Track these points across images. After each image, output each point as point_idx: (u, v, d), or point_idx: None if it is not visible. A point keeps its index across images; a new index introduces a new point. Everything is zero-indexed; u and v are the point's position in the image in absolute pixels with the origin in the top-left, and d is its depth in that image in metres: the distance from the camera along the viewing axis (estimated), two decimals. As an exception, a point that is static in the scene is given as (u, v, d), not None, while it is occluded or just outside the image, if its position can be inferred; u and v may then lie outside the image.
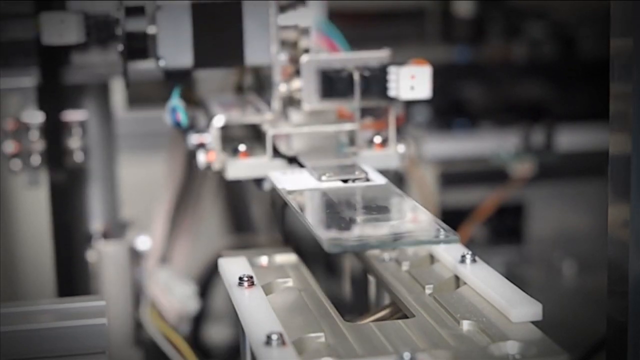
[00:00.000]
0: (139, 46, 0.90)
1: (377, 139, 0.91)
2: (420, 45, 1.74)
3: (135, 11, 0.91)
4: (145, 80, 1.02)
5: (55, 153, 1.02)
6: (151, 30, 0.90)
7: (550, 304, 0.76)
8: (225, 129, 0.91)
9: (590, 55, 1.55)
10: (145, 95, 1.12)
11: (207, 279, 1.40)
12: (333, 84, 0.87)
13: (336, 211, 0.75)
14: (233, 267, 0.85)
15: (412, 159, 1.25)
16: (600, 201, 0.91)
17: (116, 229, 1.13)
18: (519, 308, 0.73)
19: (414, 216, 0.75)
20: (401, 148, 0.92)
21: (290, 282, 0.85)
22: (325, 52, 0.99)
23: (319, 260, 1.59)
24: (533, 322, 0.73)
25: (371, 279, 0.91)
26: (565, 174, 1.30)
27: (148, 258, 1.12)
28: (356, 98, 0.87)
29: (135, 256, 1.11)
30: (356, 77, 0.86)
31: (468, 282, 0.80)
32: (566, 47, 1.57)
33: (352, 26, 1.81)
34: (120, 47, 0.91)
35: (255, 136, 0.95)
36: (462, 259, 0.82)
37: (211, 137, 0.90)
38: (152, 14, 0.90)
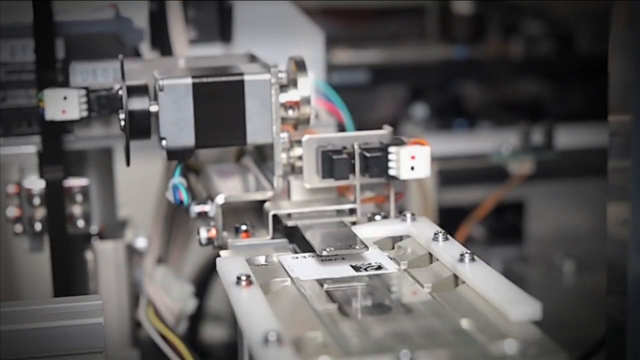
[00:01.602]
0: (142, 125, 0.91)
1: (378, 218, 0.93)
2: (419, 43, 1.75)
3: (138, 90, 0.91)
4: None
5: (57, 219, 1.03)
6: (153, 109, 0.91)
7: (549, 302, 0.76)
8: (226, 204, 0.92)
9: (590, 53, 1.55)
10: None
11: (205, 278, 1.40)
12: (334, 165, 0.88)
13: (349, 309, 0.77)
14: (231, 266, 0.85)
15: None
16: (599, 200, 0.91)
17: (114, 228, 1.13)
18: (517, 307, 0.73)
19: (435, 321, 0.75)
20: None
21: (288, 281, 0.85)
22: (326, 114, 1.01)
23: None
24: (532, 321, 0.73)
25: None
26: (565, 172, 1.30)
27: (145, 258, 1.12)
28: (357, 178, 0.89)
29: (133, 255, 1.12)
30: (357, 157, 0.88)
31: (467, 281, 0.80)
32: (565, 45, 1.57)
33: (351, 24, 1.81)
34: (123, 124, 0.91)
35: (256, 207, 0.96)
36: (461, 258, 0.82)
37: (212, 213, 0.92)
38: (155, 92, 0.91)
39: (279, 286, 0.84)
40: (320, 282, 0.82)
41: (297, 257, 0.88)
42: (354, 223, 0.91)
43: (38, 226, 1.03)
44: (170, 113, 0.90)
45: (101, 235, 1.10)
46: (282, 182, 0.92)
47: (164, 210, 1.15)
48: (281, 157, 0.92)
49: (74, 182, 1.05)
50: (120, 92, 0.91)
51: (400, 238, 0.92)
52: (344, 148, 0.89)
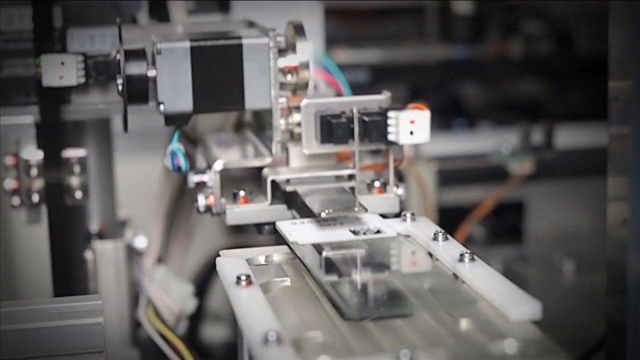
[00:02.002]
0: (140, 90, 0.90)
1: (377, 184, 0.92)
2: (419, 43, 1.75)
3: (135, 54, 0.91)
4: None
5: (55, 190, 1.02)
6: (151, 73, 0.90)
7: (549, 302, 0.76)
8: (225, 171, 0.92)
9: (589, 53, 1.55)
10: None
11: (205, 278, 1.40)
12: (332, 130, 0.87)
13: (350, 271, 0.78)
14: (231, 265, 0.85)
15: (411, 158, 1.25)
16: (599, 200, 0.91)
17: (114, 228, 1.13)
18: (517, 307, 0.73)
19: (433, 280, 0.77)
20: (401, 190, 0.93)
21: (288, 281, 0.85)
22: (324, 85, 1.00)
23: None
24: (532, 321, 0.73)
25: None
26: (565, 172, 1.30)
27: (145, 257, 1.12)
28: (356, 143, 0.88)
29: (133, 255, 1.11)
30: (356, 122, 0.87)
31: (467, 281, 0.80)
32: (565, 45, 1.57)
33: (351, 24, 1.81)
34: (121, 88, 0.91)
35: (255, 175, 0.95)
36: (461, 258, 0.82)
37: (211, 181, 0.91)
38: (152, 57, 0.90)
39: (279, 286, 0.84)
40: (319, 249, 0.81)
41: (295, 223, 0.87)
42: (352, 189, 0.90)
43: (36, 197, 1.01)
44: (168, 77, 0.89)
45: (101, 235, 1.09)
46: (280, 148, 0.91)
47: (164, 210, 1.15)
48: (280, 123, 0.91)
49: (72, 153, 1.04)
50: (118, 57, 0.90)
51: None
52: (343, 113, 0.89)
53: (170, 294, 1.06)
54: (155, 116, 0.97)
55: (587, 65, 1.53)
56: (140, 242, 1.12)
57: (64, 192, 1.03)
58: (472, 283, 0.79)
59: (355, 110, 0.87)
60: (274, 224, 0.90)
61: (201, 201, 0.91)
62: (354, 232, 0.84)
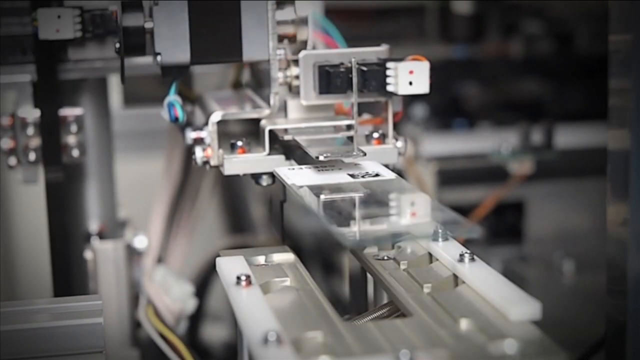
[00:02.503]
0: (137, 42, 0.90)
1: (376, 135, 0.92)
2: (419, 42, 1.74)
3: (132, 6, 0.91)
4: (142, 75, 1.03)
5: (52, 149, 1.02)
6: (148, 25, 0.90)
7: (549, 302, 0.76)
8: (223, 125, 0.91)
9: (590, 53, 1.55)
10: (142, 92, 1.13)
11: (205, 278, 1.40)
12: (331, 80, 0.86)
13: (347, 207, 0.78)
14: (231, 266, 0.85)
15: (411, 158, 1.25)
16: (599, 200, 0.91)
17: (113, 228, 1.13)
18: (517, 307, 0.73)
19: (422, 211, 0.76)
20: (400, 143, 0.92)
21: (288, 281, 0.85)
22: (323, 46, 0.99)
23: (317, 259, 1.59)
24: (532, 321, 0.73)
25: (369, 278, 0.91)
26: (565, 172, 1.30)
27: (145, 257, 1.12)
28: (354, 93, 0.86)
29: (133, 255, 1.11)
30: (354, 72, 0.86)
31: (466, 281, 0.80)
32: (565, 45, 1.57)
33: (351, 23, 1.81)
34: (117, 43, 0.92)
35: (253, 132, 0.94)
36: (461, 258, 0.82)
37: (208, 133, 0.90)
38: (149, 9, 0.90)
39: (278, 286, 0.84)
40: (317, 190, 0.81)
41: (293, 169, 0.87)
42: (351, 139, 0.89)
43: (32, 156, 1.02)
44: (165, 28, 0.88)
45: (101, 235, 1.09)
46: (278, 100, 0.91)
47: (164, 210, 1.14)
48: (278, 75, 0.90)
49: (69, 112, 1.04)
50: (114, 10, 0.91)
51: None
52: (341, 64, 0.88)
53: (170, 294, 1.06)
54: (155, 117, 0.97)
55: (587, 65, 1.53)
56: (140, 242, 1.12)
57: (61, 151, 1.03)
58: (472, 283, 0.79)
59: (353, 61, 0.86)
60: (271, 174, 0.89)
61: (199, 153, 0.90)
62: (352, 176, 0.84)
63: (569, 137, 1.31)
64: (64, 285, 1.03)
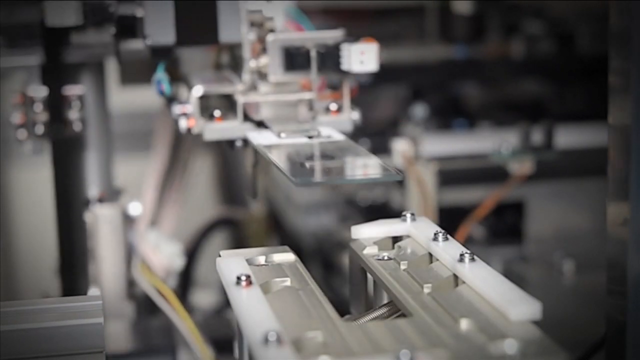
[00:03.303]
0: (129, 27, 1.06)
1: (333, 106, 1.04)
2: (419, 42, 1.74)
3: None
4: (135, 59, 1.16)
5: (57, 124, 1.16)
6: (139, 13, 1.04)
7: (549, 302, 0.76)
8: (204, 99, 1.04)
9: (590, 53, 1.55)
10: (135, 75, 1.29)
11: (195, 244, 1.54)
12: (294, 59, 1.00)
13: (302, 159, 0.91)
14: (231, 266, 0.85)
15: (411, 158, 1.25)
16: (599, 200, 0.91)
17: (111, 195, 1.25)
18: (517, 307, 0.73)
19: (365, 161, 0.91)
20: (355, 114, 1.04)
21: (288, 281, 0.85)
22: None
23: (317, 259, 1.60)
24: (532, 321, 0.73)
25: (369, 278, 0.91)
26: (565, 172, 1.29)
27: (139, 221, 1.24)
28: (313, 70, 1.00)
29: (128, 220, 1.22)
30: (313, 53, 1.00)
31: (467, 281, 0.80)
32: (566, 45, 1.57)
33: (351, 23, 1.81)
34: (113, 29, 1.07)
35: (230, 106, 1.06)
36: (461, 258, 0.82)
37: (191, 106, 1.03)
38: None
39: (278, 286, 0.84)
40: (277, 149, 0.95)
41: (261, 133, 1.00)
42: (311, 109, 1.03)
43: (40, 129, 1.15)
44: (154, 15, 1.03)
45: (100, 201, 1.21)
46: (250, 77, 1.04)
47: (156, 179, 1.30)
48: (249, 55, 1.03)
49: (71, 90, 1.18)
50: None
51: (400, 238, 0.92)
52: (304, 47, 1.01)
53: (161, 252, 1.19)
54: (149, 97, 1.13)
55: (588, 65, 1.53)
56: (134, 208, 1.23)
57: (64, 125, 1.17)
58: (472, 283, 0.79)
59: (312, 43, 1.00)
60: (244, 139, 1.02)
61: (182, 124, 1.03)
62: (310, 137, 0.98)
63: (570, 137, 1.31)
64: (67, 244, 1.20)
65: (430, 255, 0.87)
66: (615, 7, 0.84)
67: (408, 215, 0.93)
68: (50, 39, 1.14)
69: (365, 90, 1.79)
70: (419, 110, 1.64)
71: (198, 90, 1.03)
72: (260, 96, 1.03)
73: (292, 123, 1.01)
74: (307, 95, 1.03)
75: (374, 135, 1.29)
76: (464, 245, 0.86)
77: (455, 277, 0.82)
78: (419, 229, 0.91)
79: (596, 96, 1.23)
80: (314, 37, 1.01)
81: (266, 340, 0.69)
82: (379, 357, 0.69)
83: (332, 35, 1.01)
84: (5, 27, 1.15)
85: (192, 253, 1.52)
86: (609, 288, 0.87)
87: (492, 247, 1.32)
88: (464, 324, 0.74)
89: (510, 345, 0.69)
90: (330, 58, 0.99)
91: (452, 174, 1.25)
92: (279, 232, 1.80)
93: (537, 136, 1.26)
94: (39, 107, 1.14)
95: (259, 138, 0.98)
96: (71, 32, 1.14)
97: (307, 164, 0.90)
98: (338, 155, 0.92)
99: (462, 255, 0.82)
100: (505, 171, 1.24)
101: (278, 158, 0.92)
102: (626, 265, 0.84)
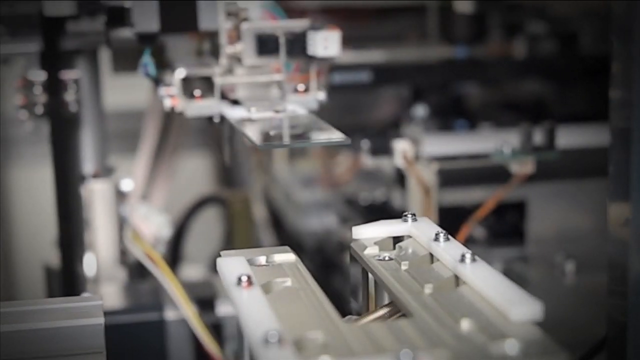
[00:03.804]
0: (119, 17, 1.16)
1: (301, 87, 1.13)
2: (420, 42, 1.74)
3: None
4: (125, 47, 1.26)
5: (55, 105, 1.26)
6: (128, 4, 1.13)
7: (550, 303, 0.76)
8: (187, 82, 1.14)
9: (593, 53, 1.55)
10: (126, 64, 1.38)
11: (184, 221, 1.64)
12: (265, 45, 1.10)
13: (268, 128, 1.03)
14: (231, 266, 0.85)
15: (411, 158, 1.25)
16: (601, 200, 0.91)
17: (104, 171, 1.36)
18: (518, 307, 0.73)
19: (322, 129, 1.03)
20: (320, 95, 1.13)
21: (289, 282, 0.85)
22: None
23: (318, 259, 1.59)
24: (533, 322, 0.73)
25: (370, 278, 0.91)
26: (566, 172, 1.29)
27: (131, 196, 1.36)
28: (282, 55, 1.10)
29: (121, 195, 1.34)
30: (282, 39, 1.10)
31: (468, 281, 0.80)
32: (568, 45, 1.57)
33: (351, 23, 1.81)
34: (104, 18, 1.18)
35: (209, 87, 1.15)
36: (462, 259, 0.82)
37: (175, 87, 1.13)
38: None
39: (279, 286, 0.84)
40: (247, 118, 1.07)
41: (234, 109, 1.10)
42: (281, 90, 1.13)
43: (39, 110, 1.25)
44: (140, 4, 1.11)
45: (95, 176, 1.33)
46: (226, 61, 1.14)
47: (147, 155, 1.43)
48: (225, 41, 1.13)
49: (68, 75, 1.27)
50: None
51: (401, 238, 0.92)
52: (273, 34, 1.11)
53: (150, 222, 1.33)
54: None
55: (590, 65, 1.53)
56: (126, 184, 1.35)
57: (62, 106, 1.26)
58: (474, 284, 0.79)
59: (282, 31, 1.10)
60: (222, 116, 1.11)
61: (167, 103, 1.14)
62: (277, 112, 1.08)
63: (571, 138, 1.31)
64: (65, 216, 1.28)
65: (431, 255, 0.87)
66: (618, 7, 0.84)
67: (409, 215, 0.93)
68: (48, 28, 1.24)
69: (366, 90, 1.79)
70: (420, 110, 1.64)
71: (180, 73, 1.14)
72: (235, 78, 1.14)
73: (262, 101, 1.11)
74: (277, 77, 1.14)
75: (375, 135, 1.29)
76: (465, 245, 0.86)
77: (456, 277, 0.82)
78: (419, 230, 0.91)
79: (598, 96, 1.23)
80: (283, 26, 1.11)
81: (267, 340, 0.69)
82: (380, 358, 0.69)
83: (299, 24, 1.11)
84: (7, 18, 1.25)
85: (180, 229, 1.63)
86: (610, 288, 0.87)
87: (493, 248, 1.32)
88: (465, 325, 0.74)
89: (511, 346, 0.69)
90: (297, 44, 1.10)
91: (453, 174, 1.25)
92: (279, 232, 1.80)
93: (538, 136, 1.26)
94: (38, 90, 1.25)
95: (233, 113, 1.09)
96: (67, 22, 1.25)
97: (272, 132, 1.02)
98: (300, 125, 1.05)
99: (463, 255, 0.82)
100: (507, 171, 1.24)
101: (247, 129, 1.03)
102: (627, 265, 0.84)
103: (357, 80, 1.49)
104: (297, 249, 1.60)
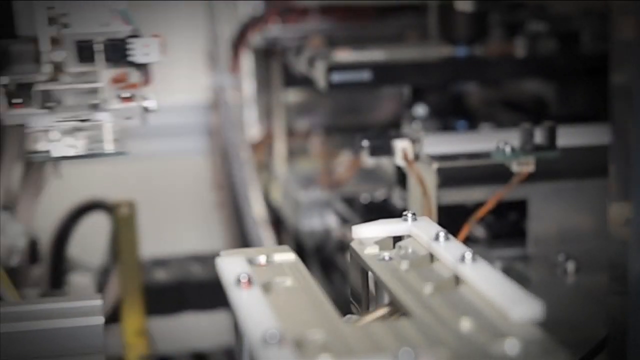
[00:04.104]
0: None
1: (125, 94, 1.11)
2: (421, 42, 1.74)
3: None
4: None
5: None
6: None
7: (551, 302, 0.76)
8: (10, 89, 1.11)
9: (594, 53, 1.55)
10: None
11: (64, 231, 1.59)
12: (85, 51, 1.09)
13: (57, 138, 1.06)
14: (231, 266, 0.84)
15: (412, 158, 1.25)
16: (602, 200, 0.91)
17: None
18: (519, 307, 0.73)
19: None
20: (149, 103, 1.11)
21: (288, 281, 0.84)
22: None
23: (317, 259, 1.59)
24: (534, 321, 0.73)
25: (370, 278, 0.91)
26: (567, 172, 1.29)
27: None
28: (100, 61, 1.09)
29: None
30: (100, 46, 1.09)
31: (468, 281, 0.79)
32: (569, 44, 1.56)
33: (351, 22, 1.81)
34: None
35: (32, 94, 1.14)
36: (462, 258, 0.81)
37: None
38: None
39: (279, 286, 0.84)
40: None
41: (44, 117, 1.09)
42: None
43: None
44: None
45: None
46: (49, 68, 1.12)
47: (8, 166, 1.39)
48: (47, 47, 1.11)
49: None
50: None
51: (401, 238, 0.92)
52: (93, 40, 1.10)
53: (5, 234, 1.32)
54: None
55: (592, 64, 1.53)
56: None
57: None
58: (474, 283, 0.78)
59: (101, 38, 1.09)
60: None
61: None
62: (82, 121, 1.08)
63: (572, 137, 1.30)
64: None
65: (432, 255, 0.87)
66: (617, 7, 0.83)
67: (409, 215, 0.93)
68: None
69: (366, 90, 1.79)
70: (420, 110, 1.63)
71: (3, 80, 1.12)
72: (56, 85, 1.13)
73: (74, 109, 1.11)
74: (97, 84, 1.12)
75: (375, 135, 1.29)
76: (465, 245, 0.85)
77: (457, 277, 0.82)
78: (420, 229, 0.91)
79: (599, 96, 1.23)
80: (103, 32, 1.10)
81: (267, 340, 0.69)
82: (380, 358, 0.68)
83: (120, 29, 1.10)
84: None
85: (61, 236, 1.60)
86: (610, 288, 0.87)
87: (493, 247, 1.32)
88: (465, 324, 0.74)
89: (511, 346, 0.69)
90: (118, 50, 1.10)
91: (453, 174, 1.25)
92: (279, 232, 1.80)
93: (539, 136, 1.25)
94: None
95: (38, 123, 1.09)
96: None
97: (49, 143, 1.06)
98: (83, 136, 1.07)
99: (463, 255, 0.82)
100: (507, 171, 1.24)
101: (45, 137, 1.06)
102: (628, 265, 0.84)
103: (357, 80, 1.48)
104: (297, 248, 1.60)
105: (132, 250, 1.47)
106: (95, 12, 1.14)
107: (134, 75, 1.13)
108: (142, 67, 1.12)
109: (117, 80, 1.15)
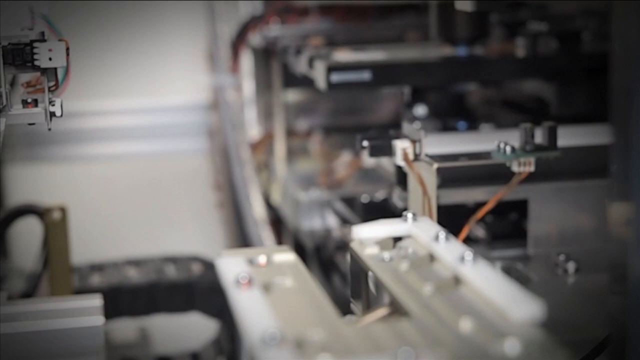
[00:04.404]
0: None
1: (29, 100, 1.09)
2: (421, 42, 1.74)
3: None
4: None
5: None
6: None
7: (551, 303, 0.76)
8: None
9: (595, 53, 1.54)
10: None
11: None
12: None
13: None
14: (231, 266, 0.84)
15: (412, 158, 1.25)
16: (602, 200, 0.91)
17: None
18: (519, 307, 0.73)
19: None
20: (54, 108, 1.09)
21: (288, 282, 0.84)
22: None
23: (318, 260, 1.59)
24: (534, 322, 0.73)
25: (370, 278, 0.90)
26: (568, 172, 1.29)
27: None
28: (1, 66, 1.06)
29: None
30: (3, 51, 1.06)
31: (468, 281, 0.79)
32: (570, 44, 1.56)
33: (351, 22, 1.81)
34: None
35: None
36: (462, 258, 0.81)
37: None
38: None
39: (279, 286, 0.83)
40: None
41: None
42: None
43: None
44: None
45: None
46: None
47: None
48: None
49: None
50: None
51: (401, 238, 0.92)
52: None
53: None
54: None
55: (592, 64, 1.52)
56: None
57: None
58: (474, 283, 0.78)
59: (5, 42, 1.06)
60: None
61: None
62: None
63: (573, 137, 1.30)
64: None
65: (432, 255, 0.87)
66: (617, 7, 0.83)
67: (409, 215, 0.92)
68: None
69: (366, 90, 1.79)
70: (420, 110, 1.63)
71: None
72: None
73: None
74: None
75: (375, 135, 1.29)
76: (465, 245, 0.85)
77: (457, 277, 0.82)
78: (420, 229, 0.90)
79: (600, 96, 1.23)
80: (7, 36, 1.08)
81: (266, 340, 0.69)
82: (380, 358, 0.68)
83: (25, 33, 1.08)
84: None
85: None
86: (611, 289, 0.87)
87: (494, 247, 1.31)
88: (465, 325, 0.73)
89: (511, 346, 0.69)
90: (24, 55, 1.07)
91: (453, 174, 1.25)
92: (279, 232, 1.80)
93: (540, 136, 1.25)
94: None
95: None
96: None
97: None
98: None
99: (463, 255, 0.81)
100: (508, 171, 1.24)
101: None
102: (629, 265, 0.84)
103: (357, 80, 1.48)
104: (297, 249, 1.59)
105: (63, 256, 1.41)
106: (15, 15, 1.13)
107: (44, 80, 1.11)
108: (50, 71, 1.10)
109: (30, 85, 1.14)
